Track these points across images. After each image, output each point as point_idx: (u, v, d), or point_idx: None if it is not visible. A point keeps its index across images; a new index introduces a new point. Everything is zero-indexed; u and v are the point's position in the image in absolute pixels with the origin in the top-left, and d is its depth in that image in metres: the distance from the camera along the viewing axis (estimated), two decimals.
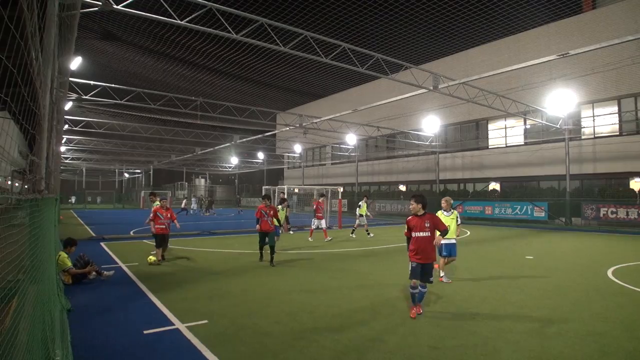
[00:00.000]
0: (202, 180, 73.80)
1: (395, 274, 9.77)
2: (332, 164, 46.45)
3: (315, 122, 27.45)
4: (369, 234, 18.18)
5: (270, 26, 12.34)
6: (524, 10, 23.34)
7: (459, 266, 10.78)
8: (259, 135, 34.50)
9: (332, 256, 12.57)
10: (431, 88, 17.72)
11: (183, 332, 5.49)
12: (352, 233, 18.25)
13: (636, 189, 22.96)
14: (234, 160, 53.00)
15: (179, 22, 10.96)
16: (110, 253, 12.54)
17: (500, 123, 30.26)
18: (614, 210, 22.03)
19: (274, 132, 37.81)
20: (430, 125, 28.22)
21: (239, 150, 48.83)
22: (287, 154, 50.62)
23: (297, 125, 26.83)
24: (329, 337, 5.34)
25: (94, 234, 18.33)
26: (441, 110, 30.90)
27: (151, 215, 11.01)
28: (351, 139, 32.65)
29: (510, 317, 6.22)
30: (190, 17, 11.02)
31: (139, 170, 70.06)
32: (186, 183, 66.64)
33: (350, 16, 23.80)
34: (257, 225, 11.02)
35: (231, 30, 11.80)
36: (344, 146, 38.91)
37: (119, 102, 19.68)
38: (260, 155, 51.21)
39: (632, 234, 19.34)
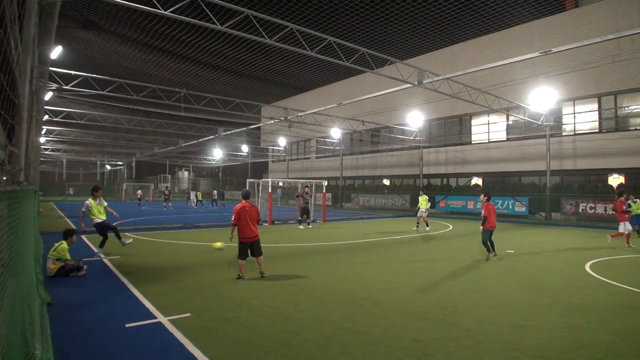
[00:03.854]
0: (186, 173, 73.19)
1: (378, 267, 9.86)
2: (316, 157, 46.47)
3: (300, 116, 27.37)
4: (425, 225, 18.67)
5: (255, 18, 12.23)
6: (508, 8, 23.55)
7: (440, 259, 10.92)
8: (244, 128, 34.32)
9: (317, 249, 12.61)
10: (416, 83, 17.79)
11: (165, 326, 5.46)
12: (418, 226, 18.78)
13: (614, 185, 23.48)
14: (218, 153, 52.61)
15: (163, 12, 10.78)
16: (92, 246, 12.36)
17: (484, 119, 30.60)
18: (593, 205, 22.51)
19: (258, 125, 37.56)
20: (415, 120, 28.41)
21: (223, 143, 48.53)
22: (272, 147, 50.45)
23: (282, 118, 26.72)
24: (312, 329, 5.38)
25: (74, 227, 18.04)
26: (425, 106, 31.09)
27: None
28: (336, 133, 32.69)
29: (491, 310, 6.32)
30: (174, 8, 10.85)
31: (121, 163, 69.11)
32: (169, 176, 65.99)
33: (337, 10, 23.74)
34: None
35: (216, 22, 11.66)
36: (328, 140, 38.93)
37: (101, 92, 19.31)
38: (245, 148, 50.96)
39: (609, 229, 19.72)
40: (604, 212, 22.07)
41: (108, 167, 70.58)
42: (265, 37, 12.69)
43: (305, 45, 13.68)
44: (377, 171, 38.76)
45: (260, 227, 8.74)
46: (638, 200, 16.44)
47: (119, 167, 72.73)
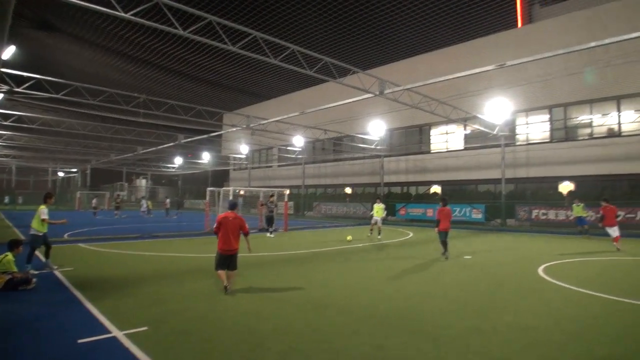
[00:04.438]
0: (143, 181, 71.18)
1: (340, 275, 9.88)
2: (279, 165, 46.30)
3: (263, 124, 27.22)
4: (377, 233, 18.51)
5: (219, 24, 12.09)
6: (466, 22, 24.43)
7: (401, 266, 11.08)
8: (205, 136, 33.71)
9: (279, 259, 12.52)
10: (377, 93, 18.06)
11: (121, 340, 5.24)
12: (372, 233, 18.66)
13: (564, 192, 24.69)
14: (178, 161, 51.48)
15: (124, 14, 10.47)
16: (42, 258, 11.79)
17: (442, 129, 31.45)
18: (545, 212, 23.50)
19: (220, 133, 37.06)
20: (376, 129, 28.79)
21: (183, 150, 47.54)
22: (233, 155, 49.85)
23: (244, 126, 26.47)
24: (274, 339, 5.31)
25: (23, 237, 17.16)
26: (387, 115, 31.61)
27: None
28: (298, 141, 32.68)
29: (450, 314, 6.45)
30: (135, 11, 10.57)
31: (74, 170, 66.45)
32: (126, 184, 63.98)
33: (301, 19, 23.92)
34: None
35: (178, 27, 11.45)
36: (291, 148, 38.85)
37: (55, 96, 18.54)
38: (206, 156, 50.09)
39: (560, 234, 20.68)
40: (555, 218, 23.09)
41: (61, 174, 67.67)
42: (229, 44, 12.58)
43: (269, 53, 13.64)
44: (339, 179, 39.02)
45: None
46: (581, 204, 18.93)
47: (72, 175, 69.91)
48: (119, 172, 62.86)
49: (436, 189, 31.67)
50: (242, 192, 34.83)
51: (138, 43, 26.87)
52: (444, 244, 12.72)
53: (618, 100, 23.65)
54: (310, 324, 5.95)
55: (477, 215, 26.25)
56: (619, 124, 23.87)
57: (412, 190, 33.28)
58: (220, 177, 57.54)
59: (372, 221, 18.59)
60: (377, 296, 7.67)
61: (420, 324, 6.00)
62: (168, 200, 38.60)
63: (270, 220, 19.69)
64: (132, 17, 10.64)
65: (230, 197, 20.62)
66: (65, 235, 17.75)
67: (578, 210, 19.42)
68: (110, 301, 7.16)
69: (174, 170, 58.97)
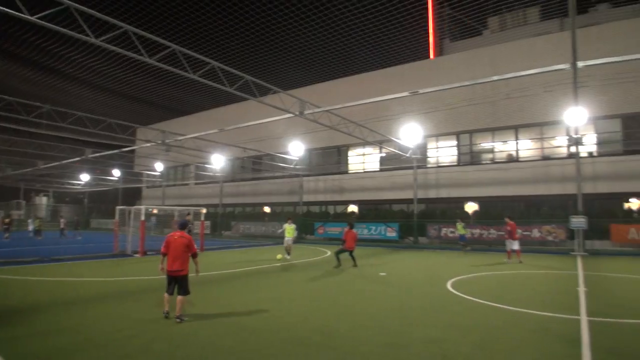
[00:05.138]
0: (44, 199, 65.25)
1: (255, 296, 9.75)
2: (195, 183, 44.93)
3: (180, 140, 26.40)
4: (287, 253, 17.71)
5: (135, 35, 11.63)
6: (384, 50, 25.78)
7: (318, 285, 11.19)
8: (116, 151, 31.92)
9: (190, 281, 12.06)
10: (297, 113, 18.34)
11: None
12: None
13: (470, 212, 26.61)
14: (85, 177, 47.93)
15: (29, 17, 9.70)
16: None
17: (359, 150, 32.60)
18: (453, 230, 25.01)
19: (133, 148, 35.28)
20: (296, 149, 29.15)
21: (91, 165, 44.49)
22: (147, 172, 47.54)
23: (159, 141, 25.47)
24: None
25: None
26: (306, 135, 32.11)
27: None
28: (217, 159, 32.04)
29: (366, 331, 6.59)
30: (42, 14, 9.83)
31: None
32: (24, 202, 58.25)
33: (223, 37, 23.76)
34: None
35: (90, 34, 10.82)
36: (208, 166, 37.92)
37: None
38: (116, 173, 47.18)
39: (467, 250, 22.11)
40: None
41: None
42: (145, 55, 12.12)
43: (188, 68, 13.34)
44: (258, 198, 38.70)
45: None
46: (462, 223, 22.27)
47: None
48: (15, 188, 57.11)
49: (353, 208, 32.54)
50: (155, 211, 33.18)
51: (43, 48, 25.02)
52: (351, 257, 14.76)
53: (516, 129, 26.16)
54: (226, 349, 5.77)
55: (392, 233, 27.32)
56: (517, 150, 26.34)
57: (331, 209, 33.89)
58: (132, 195, 54.44)
59: (285, 243, 17.76)
60: (294, 316, 7.65)
61: (337, 341, 6.06)
62: (62, 220, 33.32)
63: None
64: (38, 21, 9.91)
65: (142, 217, 19.57)
66: None
67: (460, 228, 22.08)
68: (2, 333, 6.42)
69: (79, 187, 54.82)
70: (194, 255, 7.52)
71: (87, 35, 10.79)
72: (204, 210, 23.53)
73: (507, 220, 17.17)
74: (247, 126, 23.27)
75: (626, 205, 22.95)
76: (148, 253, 19.06)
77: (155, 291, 10.08)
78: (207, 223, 34.89)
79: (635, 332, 6.54)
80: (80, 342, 5.95)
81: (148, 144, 27.56)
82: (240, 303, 8.75)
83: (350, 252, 14.82)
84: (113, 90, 32.34)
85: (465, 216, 25.51)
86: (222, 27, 22.84)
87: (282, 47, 25.27)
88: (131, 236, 19.57)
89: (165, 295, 7.33)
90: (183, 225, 7.91)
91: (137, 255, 18.44)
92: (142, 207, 20.21)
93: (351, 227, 15.33)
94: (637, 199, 22.69)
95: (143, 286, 10.73)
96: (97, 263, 15.97)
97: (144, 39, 12.17)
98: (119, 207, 21.78)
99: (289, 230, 17.84)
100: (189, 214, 20.33)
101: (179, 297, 7.23)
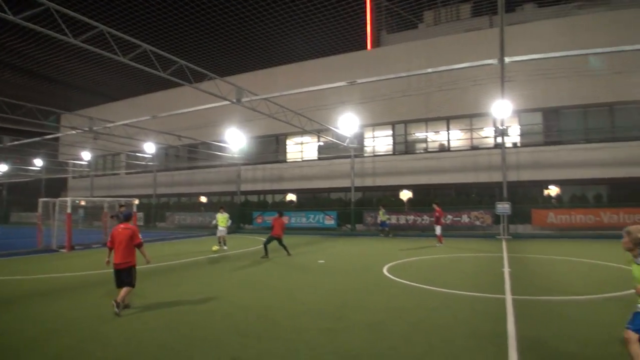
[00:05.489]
0: None
1: (192, 288, 9.53)
2: (127, 173, 42.89)
3: (109, 127, 24.98)
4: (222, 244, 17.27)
5: (58, 12, 10.75)
6: (322, 39, 25.80)
7: (256, 274, 11.12)
8: (38, 139, 29.63)
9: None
10: (235, 101, 17.95)
11: None
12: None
13: (404, 199, 27.54)
14: (3, 167, 44.18)
15: None
16: None
17: (298, 139, 32.58)
18: (388, 217, 25.75)
19: (57, 135, 32.94)
20: (233, 137, 28.60)
21: (9, 155, 41.06)
22: (73, 162, 44.64)
23: (87, 129, 23.94)
24: None
25: None
26: (244, 124, 31.56)
27: None
28: (150, 148, 30.69)
29: (305, 318, 6.65)
30: None
31: None
32: None
33: (155, 19, 22.68)
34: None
35: (7, 10, 9.87)
36: (141, 155, 36.26)
37: None
38: (39, 162, 43.86)
39: (402, 236, 22.92)
40: (397, 222, 25.50)
41: None
42: (70, 36, 11.25)
43: (117, 51, 12.57)
44: (194, 188, 37.66)
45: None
46: (383, 210, 23.87)
47: None
48: None
49: (292, 197, 32.57)
50: (82, 203, 31.31)
51: None
52: (266, 246, 14.49)
53: (448, 120, 27.28)
54: (162, 344, 5.57)
55: (330, 221, 27.71)
56: (448, 140, 27.50)
57: (269, 198, 33.71)
58: (57, 187, 50.97)
59: (218, 233, 17.41)
60: (233, 307, 7.54)
61: (278, 330, 6.06)
62: None
63: None
64: None
65: (69, 209, 18.40)
66: None
67: (381, 215, 23.70)
68: None
69: None
70: (139, 246, 7.35)
71: (3, 11, 9.84)
72: (137, 201, 22.58)
73: (434, 206, 18.05)
74: (182, 113, 22.45)
75: (546, 192, 24.75)
76: (76, 248, 18.02)
77: (76, 287, 9.57)
78: (140, 214, 33.52)
79: (554, 308, 7.08)
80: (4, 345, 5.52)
81: (74, 132, 25.82)
82: (178, 297, 8.51)
83: (280, 241, 14.54)
84: (34, 72, 30.04)
85: (387, 203, 26.47)
86: (155, 8, 21.80)
87: (219, 32, 24.60)
88: (56, 230, 18.34)
89: (118, 289, 7.20)
90: (127, 217, 7.77)
91: (63, 250, 17.36)
92: (69, 199, 18.98)
93: (280, 214, 15.21)
94: (556, 186, 24.52)
95: (73, 283, 10.16)
96: (18, 260, 14.83)
97: (68, 18, 11.30)
98: (42, 199, 20.31)
99: (222, 219, 17.41)
100: (121, 205, 19.38)
101: (124, 288, 7.12)
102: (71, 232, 18.13)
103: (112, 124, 24.17)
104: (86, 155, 36.83)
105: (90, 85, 33.96)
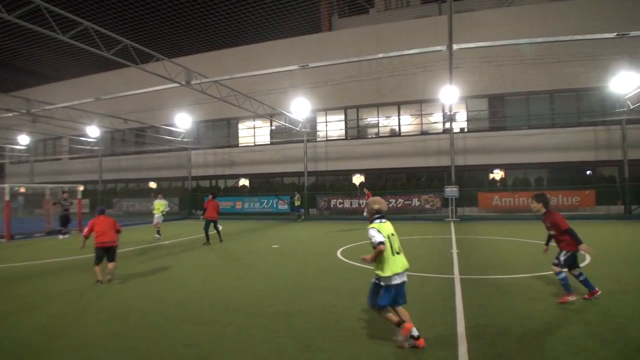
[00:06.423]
0: None
1: (141, 278, 9.29)
2: (70, 158, 40.83)
3: (49, 109, 23.58)
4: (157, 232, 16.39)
5: None
6: (273, 21, 25.35)
7: (206, 262, 10.98)
8: None
9: (71, 265, 11.07)
10: (183, 83, 17.42)
11: None
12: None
13: (357, 184, 27.92)
14: None
15: None
16: None
17: (250, 123, 32.10)
18: (341, 201, 26.11)
19: None
20: (183, 121, 27.79)
21: None
22: (10, 146, 41.83)
23: (24, 111, 22.50)
24: (69, 358, 4.69)
25: None
26: (194, 107, 30.76)
27: None
28: (94, 131, 29.24)
29: (259, 303, 6.63)
30: None
31: None
32: None
33: None
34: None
35: None
36: (84, 139, 34.51)
37: None
38: None
39: (354, 220, 23.27)
40: (350, 206, 25.88)
41: None
42: (3, 10, 10.47)
43: (56, 28, 11.81)
44: (143, 173, 36.43)
45: None
46: (297, 195, 25.09)
47: None
48: None
49: (244, 182, 32.21)
50: (22, 190, 29.54)
51: None
52: (217, 232, 14.72)
53: (398, 105, 27.73)
54: (112, 335, 5.40)
55: (283, 206, 27.70)
56: (399, 125, 28.00)
57: (221, 183, 33.18)
58: None
59: (154, 220, 16.48)
60: (185, 294, 7.41)
61: (231, 316, 6.02)
62: None
63: (65, 220, 17.45)
64: None
65: (7, 197, 17.36)
66: None
67: (296, 200, 25.12)
68: None
69: None
70: (118, 232, 8.80)
71: None
72: (81, 188, 21.57)
73: (365, 190, 18.50)
74: (128, 95, 21.55)
75: (491, 175, 25.81)
76: (16, 237, 17.07)
77: (20, 278, 9.11)
78: (86, 201, 32.05)
79: (498, 286, 7.44)
80: None
81: (10, 114, 24.16)
82: (127, 286, 8.26)
83: (215, 224, 14.46)
84: None
85: (299, 189, 26.96)
86: None
87: (166, 10, 23.59)
88: None
89: (97, 267, 8.29)
90: (102, 211, 9.05)
91: (2, 240, 16.40)
92: (7, 186, 17.90)
93: (214, 196, 14.95)
94: (500, 170, 25.63)
95: (14, 274, 9.63)
96: None
97: None
98: None
99: (159, 206, 16.57)
100: (64, 191, 18.47)
101: (112, 264, 8.49)
102: (10, 221, 17.13)
103: (52, 106, 22.83)
104: (24, 140, 34.67)
105: (28, 65, 31.79)
